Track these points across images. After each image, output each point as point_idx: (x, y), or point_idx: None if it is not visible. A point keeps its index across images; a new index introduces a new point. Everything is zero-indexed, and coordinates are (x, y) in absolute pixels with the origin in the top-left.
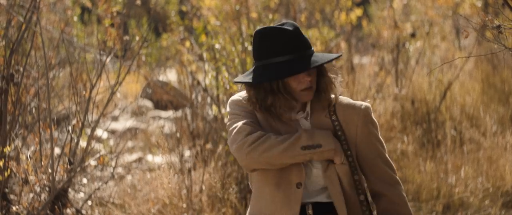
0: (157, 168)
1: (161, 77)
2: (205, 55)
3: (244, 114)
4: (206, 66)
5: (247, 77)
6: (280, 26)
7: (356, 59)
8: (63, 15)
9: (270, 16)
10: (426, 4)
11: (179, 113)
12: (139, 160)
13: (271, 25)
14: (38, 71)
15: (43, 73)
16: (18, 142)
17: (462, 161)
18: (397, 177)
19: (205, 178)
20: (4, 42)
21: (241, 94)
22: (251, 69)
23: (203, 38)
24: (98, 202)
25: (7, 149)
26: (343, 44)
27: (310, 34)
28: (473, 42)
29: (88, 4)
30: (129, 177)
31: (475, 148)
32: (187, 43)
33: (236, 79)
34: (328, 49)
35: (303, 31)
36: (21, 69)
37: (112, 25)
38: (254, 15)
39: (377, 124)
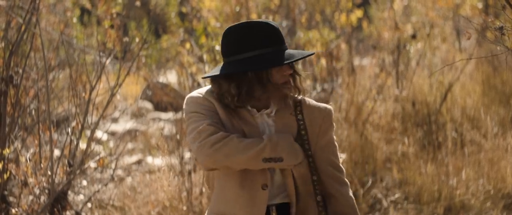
0: (157, 170)
1: (161, 79)
2: (205, 56)
3: (206, 113)
4: (206, 68)
5: (229, 69)
6: (261, 21)
7: (356, 61)
8: (63, 17)
9: (270, 17)
10: (427, 5)
11: (179, 115)
12: (139, 162)
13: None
14: (38, 73)
15: (43, 75)
16: (17, 144)
17: (463, 163)
18: (346, 179)
19: (205, 180)
20: (3, 44)
21: (201, 91)
22: (220, 65)
23: (203, 39)
24: (98, 204)
25: (6, 151)
26: (343, 46)
27: (311, 35)
28: (474, 44)
29: (88, 6)
30: (129, 179)
31: (476, 150)
32: (187, 45)
33: (212, 73)
34: (329, 50)
35: (303, 33)
36: (21, 71)
37: (111, 26)
38: (254, 16)
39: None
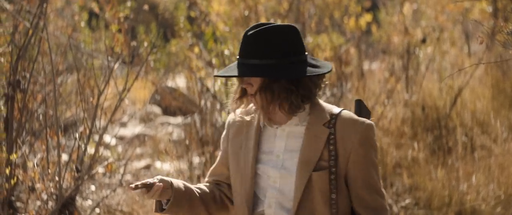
0: (166, 175)
1: (170, 84)
2: (214, 61)
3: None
4: (215, 72)
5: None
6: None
7: (365, 65)
8: (71, 21)
9: (279, 22)
10: (436, 9)
11: (188, 119)
12: (148, 167)
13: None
14: (45, 77)
15: (50, 79)
16: (25, 149)
17: (473, 168)
18: (386, 204)
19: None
20: (10, 48)
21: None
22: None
23: (212, 44)
24: (106, 210)
25: (13, 156)
26: (352, 50)
27: (320, 40)
28: (483, 48)
29: (96, 10)
30: None
31: (486, 155)
32: (196, 49)
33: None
34: (338, 55)
35: (312, 37)
36: (28, 75)
37: (119, 30)
38: (263, 20)
39: (377, 146)
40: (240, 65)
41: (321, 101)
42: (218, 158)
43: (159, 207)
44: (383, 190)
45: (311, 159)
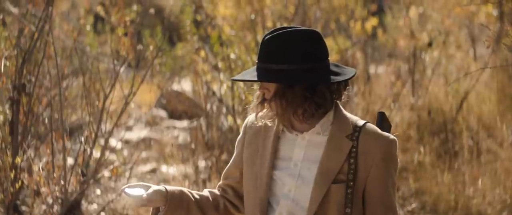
0: (172, 179)
1: (176, 87)
2: (220, 65)
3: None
4: (221, 76)
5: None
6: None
7: (372, 69)
8: (76, 24)
9: (286, 25)
10: (442, 13)
11: (193, 123)
12: (154, 171)
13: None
14: (51, 81)
15: (56, 83)
16: (30, 153)
17: (479, 172)
18: None
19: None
20: (16, 52)
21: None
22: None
23: (218, 47)
24: (112, 214)
25: (18, 160)
26: (359, 54)
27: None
28: (489, 52)
29: (102, 13)
30: None
31: (492, 159)
32: (202, 53)
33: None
34: (344, 59)
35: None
36: (33, 79)
37: (125, 34)
38: (269, 24)
39: (398, 162)
40: (257, 70)
41: (345, 112)
42: (231, 160)
43: (155, 213)
44: (397, 207)
45: (331, 170)
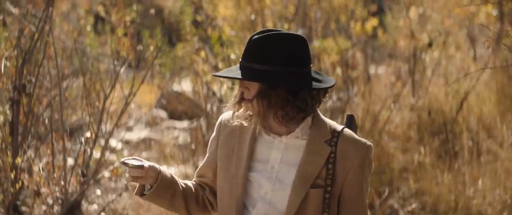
0: None
1: (176, 88)
2: (220, 65)
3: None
4: None
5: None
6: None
7: (372, 70)
8: (76, 25)
9: (286, 26)
10: (442, 13)
11: (194, 124)
12: None
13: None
14: (51, 82)
15: (56, 83)
16: (30, 153)
17: (479, 173)
18: None
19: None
20: (16, 52)
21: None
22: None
23: (218, 48)
24: (112, 214)
25: (18, 161)
26: (359, 54)
27: (326, 44)
28: (489, 52)
29: (102, 13)
30: None
31: (492, 159)
32: (202, 53)
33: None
34: (344, 59)
35: (318, 41)
36: (34, 79)
37: (125, 34)
38: (269, 24)
39: (373, 167)
40: (241, 68)
41: (323, 116)
42: (205, 159)
43: (141, 191)
44: (367, 209)
45: (310, 175)
